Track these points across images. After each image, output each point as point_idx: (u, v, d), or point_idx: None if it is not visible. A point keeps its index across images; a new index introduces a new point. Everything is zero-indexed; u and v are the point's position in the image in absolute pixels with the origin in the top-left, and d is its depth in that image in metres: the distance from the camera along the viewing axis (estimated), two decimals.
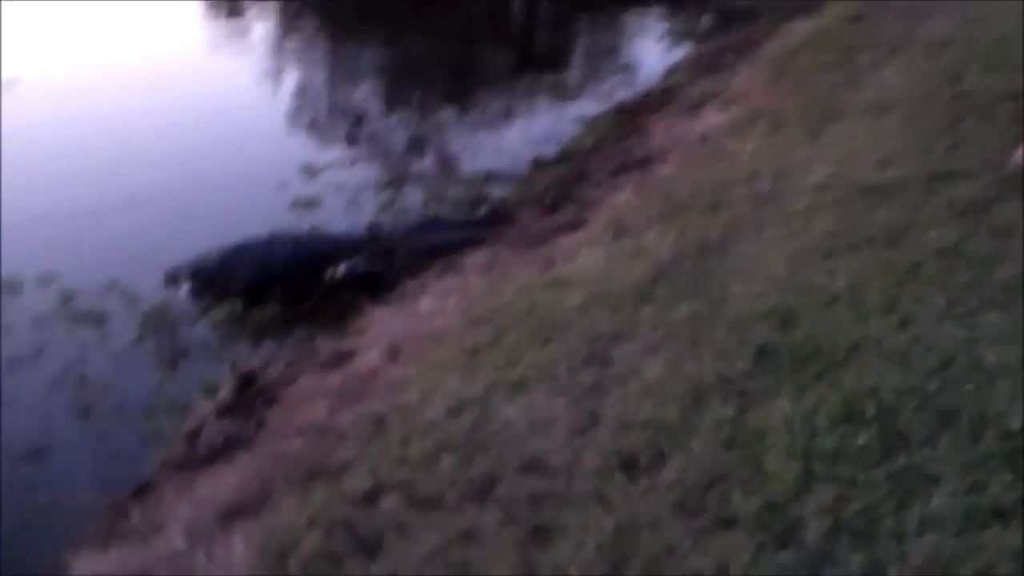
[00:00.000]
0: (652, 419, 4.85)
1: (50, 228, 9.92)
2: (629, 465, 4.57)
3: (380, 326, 7.18)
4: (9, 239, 9.52)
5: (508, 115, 13.06)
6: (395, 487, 4.82)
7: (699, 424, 4.76)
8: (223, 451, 6.12)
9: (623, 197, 8.41)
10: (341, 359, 6.83)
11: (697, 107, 11.08)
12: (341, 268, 8.43)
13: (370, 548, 4.41)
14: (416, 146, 12.04)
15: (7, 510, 6.08)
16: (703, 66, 13.05)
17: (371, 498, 4.79)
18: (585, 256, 7.05)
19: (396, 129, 13.04)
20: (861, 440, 4.41)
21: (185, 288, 8.62)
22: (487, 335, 6.14)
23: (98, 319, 8.22)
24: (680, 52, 14.93)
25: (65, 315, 8.29)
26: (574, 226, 8.19)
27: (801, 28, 12.61)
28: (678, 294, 6.05)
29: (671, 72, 13.55)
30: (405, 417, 5.46)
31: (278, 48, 17.13)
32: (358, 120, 13.45)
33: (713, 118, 10.24)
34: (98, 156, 11.90)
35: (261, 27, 18.32)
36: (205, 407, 6.78)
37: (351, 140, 12.49)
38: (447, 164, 11.33)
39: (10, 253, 9.20)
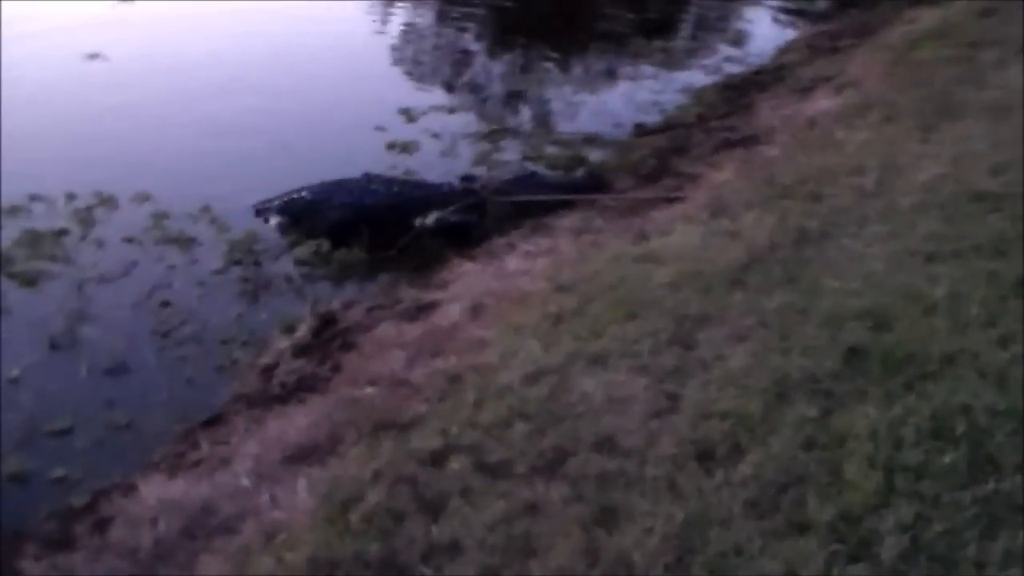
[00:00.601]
0: (732, 410, 4.73)
1: (150, 147, 10.06)
2: (704, 456, 4.46)
3: (464, 281, 7.12)
4: (110, 157, 9.64)
5: (613, 78, 12.86)
6: (464, 449, 4.76)
7: (780, 421, 4.62)
8: (295, 391, 6.12)
9: (724, 175, 8.21)
10: (422, 310, 6.79)
11: (808, 89, 10.82)
12: (431, 217, 8.37)
13: (434, 509, 4.36)
14: (517, 100, 11.94)
15: (85, 424, 6.18)
16: (818, 48, 12.73)
17: (439, 458, 4.73)
18: (679, 233, 6.89)
19: (499, 81, 12.91)
20: (948, 458, 4.24)
21: (274, 221, 8.65)
22: (572, 303, 6.03)
23: (186, 243, 8.30)
24: (795, 31, 14.58)
25: (155, 236, 8.39)
26: (670, 200, 8.04)
27: (925, 17, 12.20)
28: (771, 282, 5.89)
29: (784, 50, 13.26)
30: (481, 378, 5.38)
31: None
32: (461, 68, 13.36)
33: (824, 102, 9.97)
34: (204, 78, 12.03)
35: None
36: (282, 344, 6.79)
37: (452, 88, 12.44)
38: (547, 121, 11.20)
39: (110, 171, 9.31)
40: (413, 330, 6.43)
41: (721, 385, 4.96)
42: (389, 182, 8.78)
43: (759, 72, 12.33)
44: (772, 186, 7.43)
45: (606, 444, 4.65)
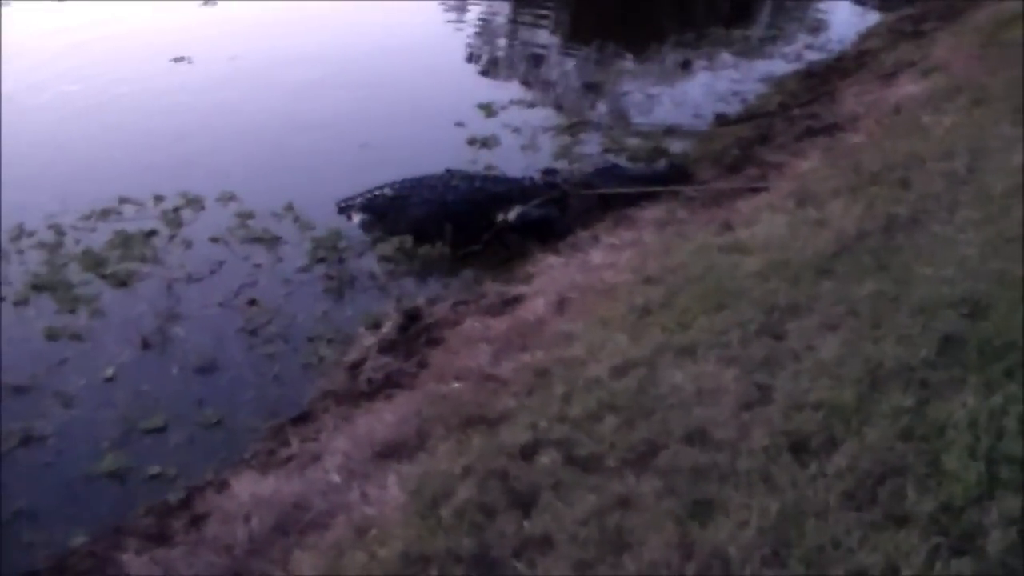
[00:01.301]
0: (825, 401, 4.64)
1: (235, 148, 10.21)
2: (798, 447, 4.37)
3: (548, 275, 7.09)
4: (196, 158, 9.78)
5: (691, 68, 12.76)
6: (554, 444, 4.70)
7: (875, 411, 4.52)
8: (383, 387, 6.13)
9: (808, 163, 8.09)
10: (507, 305, 6.77)
11: (892, 75, 10.64)
12: (513, 212, 8.36)
13: (525, 504, 4.32)
14: (596, 93, 11.89)
15: (178, 421, 6.27)
16: (901, 32, 12.50)
17: (529, 452, 4.68)
18: (765, 222, 6.80)
19: (577, 74, 12.86)
20: None
21: (357, 218, 8.70)
22: (658, 295, 5.97)
23: (271, 242, 8.39)
24: (877, 15, 14.34)
25: (241, 236, 8.49)
26: (755, 189, 7.94)
27: None
28: (861, 271, 5.78)
29: (866, 36, 13.05)
30: (569, 372, 5.34)
31: None
32: (539, 62, 13.35)
33: (909, 88, 9.78)
34: (286, 79, 12.15)
35: None
36: (368, 340, 6.82)
37: (531, 82, 12.42)
38: (626, 113, 11.15)
39: (196, 173, 9.46)
40: (499, 325, 6.40)
41: (813, 375, 4.87)
42: (471, 178, 8.79)
43: (840, 59, 12.19)
44: (858, 173, 7.30)
45: (697, 436, 4.58)
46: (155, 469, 5.83)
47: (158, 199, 8.95)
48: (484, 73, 12.79)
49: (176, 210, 8.82)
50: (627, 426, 4.74)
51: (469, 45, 13.88)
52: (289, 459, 5.50)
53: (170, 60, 12.68)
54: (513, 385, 5.43)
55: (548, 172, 9.04)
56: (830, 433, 4.43)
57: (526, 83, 12.36)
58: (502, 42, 14.31)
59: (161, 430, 6.19)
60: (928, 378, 4.71)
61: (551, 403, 5.07)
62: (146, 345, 7.00)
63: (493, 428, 4.99)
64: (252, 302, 7.53)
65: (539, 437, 4.79)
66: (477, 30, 14.66)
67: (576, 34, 14.52)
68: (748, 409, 4.71)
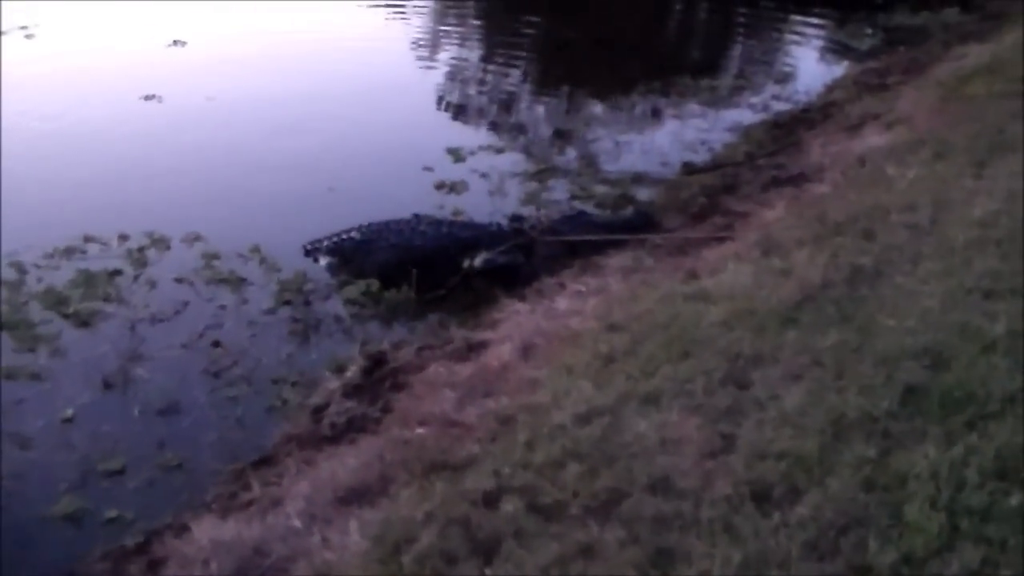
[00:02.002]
0: (789, 450, 4.66)
1: (202, 188, 10.16)
2: (761, 497, 4.38)
3: (514, 321, 7.09)
4: (162, 198, 9.76)
5: (660, 117, 12.84)
6: (517, 491, 4.70)
7: (838, 461, 4.55)
8: (346, 431, 6.10)
9: (774, 213, 8.16)
10: (472, 351, 6.75)
11: (857, 127, 10.76)
12: (480, 258, 8.38)
13: (487, 551, 4.30)
14: (565, 139, 11.90)
15: (137, 464, 6.20)
16: (866, 84, 12.66)
17: (492, 499, 4.67)
18: (730, 271, 6.83)
19: (546, 120, 12.91)
20: (1015, 501, 4.14)
21: (324, 261, 8.69)
22: (623, 343, 5.99)
23: (237, 283, 8.34)
24: (842, 68, 14.54)
25: (206, 276, 8.42)
26: (721, 238, 8.00)
27: (975, 53, 12.13)
28: (825, 321, 5.82)
29: (832, 87, 13.20)
30: (533, 419, 5.34)
31: (435, 32, 17.23)
32: (508, 108, 13.42)
33: (874, 139, 9.91)
34: (255, 120, 12.17)
35: (420, 10, 18.42)
36: (332, 384, 6.78)
37: (500, 128, 12.46)
38: (594, 161, 11.16)
39: (162, 212, 9.42)
40: (463, 370, 6.39)
41: (776, 425, 4.89)
42: (437, 223, 8.80)
43: (807, 110, 12.29)
44: (823, 224, 7.36)
45: (661, 485, 4.58)
46: (112, 512, 5.74)
47: (123, 238, 8.89)
48: (455, 118, 12.82)
49: (141, 250, 8.76)
50: (590, 474, 4.74)
51: (439, 89, 13.93)
52: (250, 503, 5.45)
53: (139, 98, 12.64)
54: (477, 431, 5.41)
55: (515, 218, 9.08)
56: (793, 483, 4.45)
57: (495, 128, 12.39)
58: (472, 87, 14.36)
59: (120, 472, 6.11)
60: (890, 428, 4.74)
61: (515, 450, 5.06)
62: (107, 386, 6.94)
63: (456, 474, 4.97)
64: (216, 344, 7.47)
65: (502, 484, 4.78)
66: (448, 74, 14.72)
67: (546, 80, 14.61)
68: (711, 458, 4.72)
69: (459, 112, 13.07)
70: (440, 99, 13.50)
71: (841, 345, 5.51)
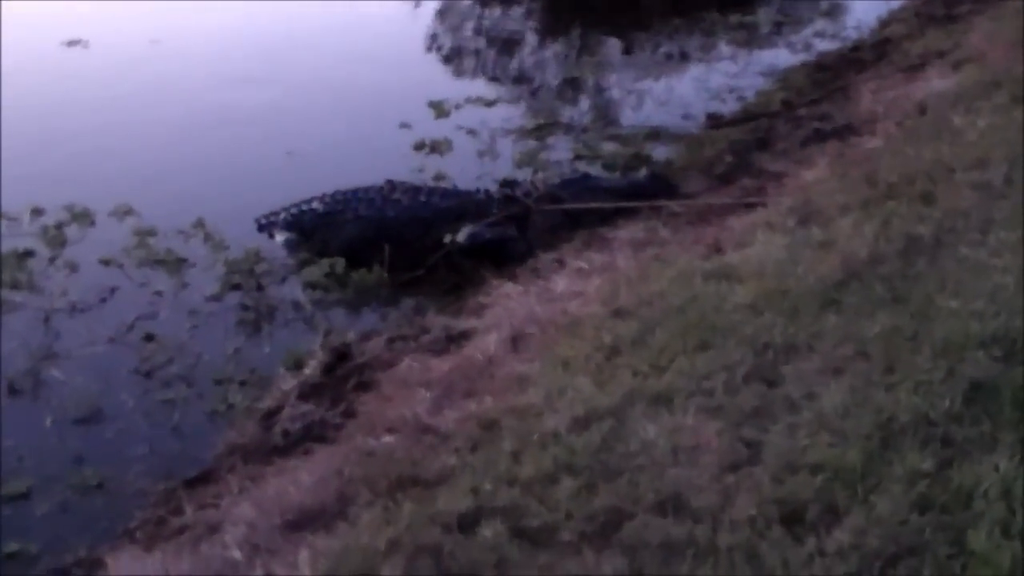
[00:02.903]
0: (826, 461, 4.52)
1: (134, 151, 10.08)
2: (792, 519, 4.25)
3: (503, 306, 6.98)
4: (85, 163, 9.68)
5: (682, 59, 12.74)
6: (499, 512, 4.57)
7: (886, 475, 4.41)
8: (301, 440, 6.01)
9: (814, 173, 8.04)
10: (452, 342, 6.67)
11: (918, 67, 10.66)
12: (464, 233, 8.26)
13: None
14: (570, 88, 11.85)
15: (47, 485, 6.06)
16: (930, 16, 12.52)
17: (469, 523, 4.55)
18: (760, 243, 6.72)
19: (548, 66, 12.84)
20: None
21: (281, 237, 8.60)
22: (631, 331, 5.86)
23: (176, 265, 8.26)
24: None
25: (139, 257, 8.35)
26: (750, 204, 7.87)
27: None
28: (873, 303, 5.69)
29: (887, 21, 13.06)
30: (521, 423, 5.22)
31: None
32: (503, 52, 13.29)
33: (937, 82, 9.78)
34: (200, 68, 12.12)
35: None
36: (287, 384, 6.69)
37: (492, 75, 12.36)
38: (604, 113, 11.13)
39: (85, 181, 9.34)
40: (442, 365, 6.29)
41: (812, 430, 4.76)
42: (414, 190, 8.69)
43: (857, 48, 12.20)
44: (873, 185, 7.24)
45: (671, 504, 4.46)
46: (13, 546, 5.60)
47: (37, 212, 8.81)
48: (438, 64, 12.71)
49: (59, 226, 8.69)
50: (587, 491, 4.62)
51: (425, 29, 13.78)
52: (182, 530, 5.35)
53: (62, 44, 12.51)
54: (455, 439, 5.31)
55: (506, 184, 8.97)
56: (830, 502, 4.32)
57: (487, 76, 12.31)
58: (464, 26, 14.23)
59: (24, 497, 5.98)
60: (951, 435, 4.60)
61: (498, 462, 4.95)
62: (13, 391, 6.84)
63: (428, 492, 4.86)
64: (149, 338, 7.40)
65: (482, 504, 4.66)
66: (437, 11, 14.55)
67: (549, 18, 14.48)
68: (733, 471, 4.60)
69: (444, 58, 12.96)
70: (422, 43, 13.35)
71: (892, 332, 5.38)
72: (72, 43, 12.55)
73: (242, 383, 6.92)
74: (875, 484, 4.37)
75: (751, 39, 13.03)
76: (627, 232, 7.84)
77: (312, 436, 6.01)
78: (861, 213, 6.79)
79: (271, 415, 6.40)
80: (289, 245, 8.51)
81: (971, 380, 4.91)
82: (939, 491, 4.29)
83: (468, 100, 11.12)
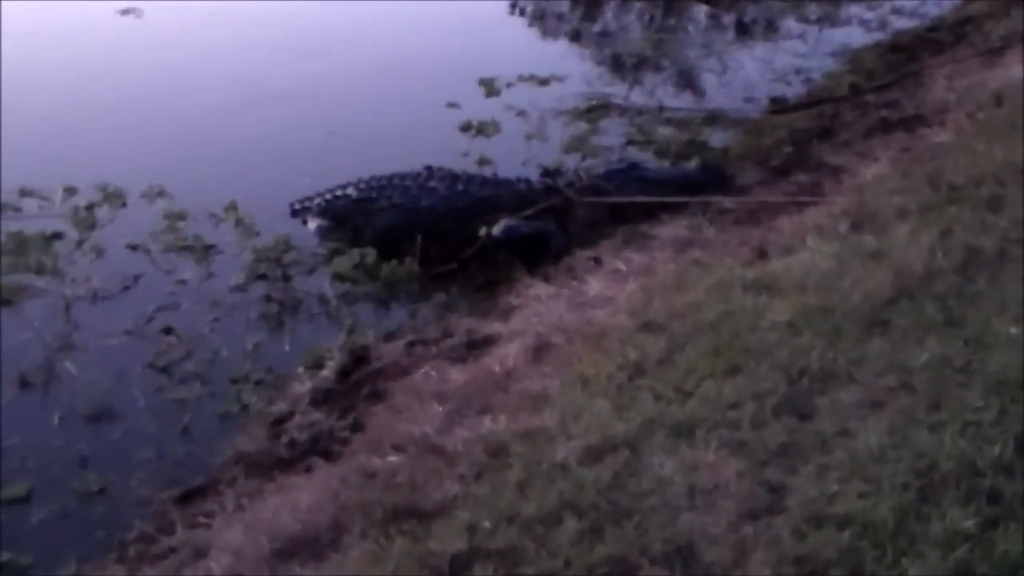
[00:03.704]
0: (855, 514, 4.11)
1: (171, 129, 9.79)
2: None
3: (532, 309, 6.63)
4: (121, 141, 9.42)
5: (747, 37, 12.19)
6: (495, 555, 4.24)
7: (921, 534, 3.99)
8: (307, 453, 5.76)
9: (875, 169, 7.57)
10: (473, 349, 6.36)
11: (998, 51, 10.08)
12: (500, 226, 7.86)
13: None
14: (625, 68, 11.37)
15: (47, 490, 5.81)
16: None
17: (461, 566, 4.22)
18: (808, 250, 6.24)
19: (602, 43, 12.38)
20: None
21: (313, 224, 8.26)
22: (657, 348, 5.45)
23: (203, 252, 7.99)
24: None
25: (167, 242, 8.10)
26: (803, 202, 7.42)
27: None
28: (923, 327, 5.23)
29: None
30: (531, 450, 4.85)
31: None
32: (556, 27, 12.84)
33: (1016, 69, 9.19)
34: (246, 42, 11.85)
35: None
36: (302, 387, 6.40)
37: (545, 52, 11.88)
38: (661, 94, 10.60)
39: (120, 159, 9.08)
40: (458, 376, 5.95)
41: (843, 475, 4.34)
42: (452, 178, 8.30)
43: (934, 28, 11.58)
44: (935, 187, 6.72)
45: (682, 555, 4.08)
46: (5, 556, 5.38)
47: (69, 191, 8.60)
48: (489, 40, 12.25)
49: (90, 207, 8.45)
50: (592, 534, 4.27)
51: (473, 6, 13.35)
52: (169, 552, 5.08)
53: (117, 12, 12.26)
54: (461, 463, 4.97)
55: (548, 173, 8.52)
56: (857, 563, 3.92)
57: (540, 52, 11.83)
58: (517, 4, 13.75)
59: (23, 501, 5.74)
60: (999, 489, 4.17)
61: (502, 494, 4.61)
62: (24, 384, 6.60)
63: (424, 525, 4.54)
64: (168, 331, 7.12)
65: (478, 545, 4.33)
66: None
67: None
68: (752, 520, 4.20)
69: (496, 34, 12.52)
70: (473, 18, 12.90)
71: (941, 362, 4.92)
72: (126, 12, 12.27)
73: (258, 383, 6.64)
74: (908, 545, 3.97)
75: (820, 15, 12.45)
76: (670, 229, 7.43)
77: (317, 449, 5.76)
78: (920, 219, 6.28)
79: (281, 422, 6.15)
80: (321, 232, 8.18)
81: None
82: (981, 557, 3.89)
83: (521, 78, 10.69)
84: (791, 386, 4.92)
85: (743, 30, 12.30)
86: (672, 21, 12.76)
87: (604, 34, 12.68)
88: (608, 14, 13.21)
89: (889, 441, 4.47)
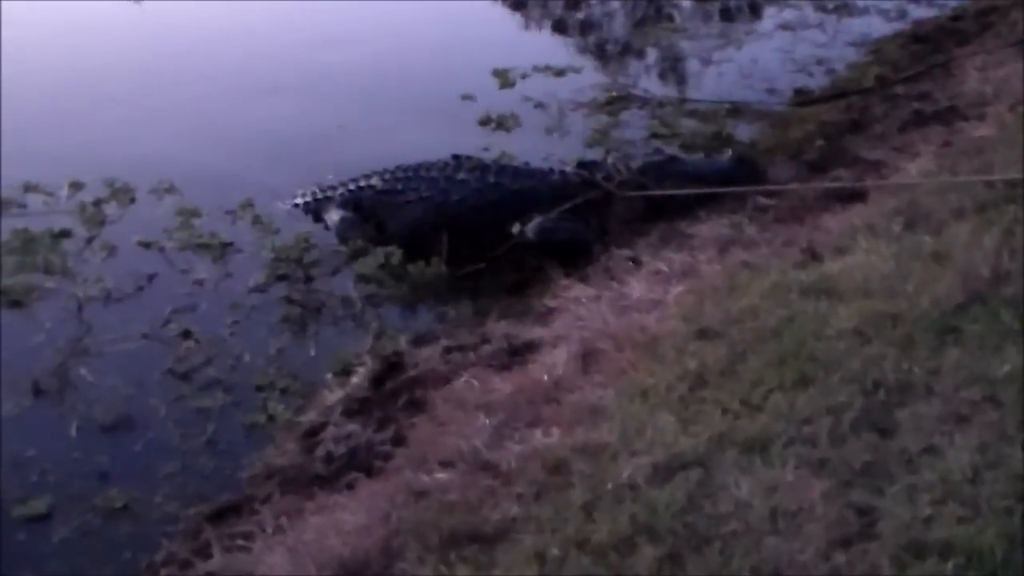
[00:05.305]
0: (957, 542, 3.84)
1: (182, 119, 9.61)
2: None
3: (572, 313, 6.37)
4: (130, 133, 9.22)
5: (767, 27, 11.99)
6: None
7: None
8: (346, 469, 5.43)
9: (918, 165, 7.35)
10: (515, 355, 6.07)
11: None
12: (533, 225, 7.59)
13: None
14: (645, 57, 11.25)
15: (68, 506, 5.53)
16: None
17: None
18: (862, 250, 6.01)
19: (621, 32, 12.21)
20: None
21: (334, 220, 7.98)
22: (719, 356, 5.20)
23: (220, 250, 7.75)
24: None
25: (180, 240, 7.85)
26: (846, 197, 7.19)
27: None
28: (999, 333, 4.98)
29: None
30: (594, 468, 4.60)
31: None
32: (573, 15, 12.68)
33: None
34: (259, 29, 11.73)
35: None
36: (332, 396, 6.13)
37: (562, 41, 11.77)
38: (684, 85, 10.48)
39: (129, 153, 8.85)
40: (503, 385, 5.66)
41: (935, 497, 4.08)
42: (483, 169, 7.99)
43: (957, 17, 11.40)
44: (989, 184, 6.51)
45: None
46: None
47: (75, 187, 8.38)
48: (502, 29, 12.06)
49: (97, 203, 8.24)
50: (671, 561, 4.01)
51: None
52: None
53: None
54: (517, 481, 4.70)
55: (585, 165, 8.17)
56: None
57: (556, 42, 11.68)
58: None
59: (43, 519, 5.45)
60: None
61: (568, 517, 4.35)
62: (38, 392, 6.32)
63: (486, 552, 4.29)
64: (186, 334, 6.84)
65: (548, 573, 4.06)
66: None
67: None
68: (844, 547, 3.94)
69: (510, 22, 12.32)
70: (487, 6, 12.74)
71: None
72: None
73: (283, 391, 6.34)
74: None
75: (841, 4, 12.25)
76: (709, 228, 7.16)
77: (357, 464, 5.43)
78: (979, 219, 6.06)
79: (313, 434, 5.83)
80: (344, 228, 7.88)
81: None
82: None
83: (535, 69, 10.51)
84: (867, 399, 4.67)
85: (757, 19, 12.12)
86: (678, 14, 12.64)
87: (611, 28, 12.50)
88: (598, 13, 13.02)
89: (981, 460, 4.21)
